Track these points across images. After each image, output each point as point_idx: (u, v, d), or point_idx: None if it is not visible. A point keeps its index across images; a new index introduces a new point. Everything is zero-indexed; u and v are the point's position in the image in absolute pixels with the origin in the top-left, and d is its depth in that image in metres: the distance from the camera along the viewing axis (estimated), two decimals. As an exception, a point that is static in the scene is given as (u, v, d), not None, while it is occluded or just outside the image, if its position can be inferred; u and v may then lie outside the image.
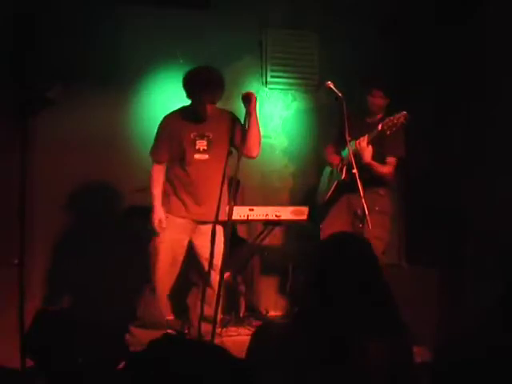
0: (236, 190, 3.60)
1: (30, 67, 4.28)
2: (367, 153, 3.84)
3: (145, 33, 4.65)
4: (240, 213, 4.24)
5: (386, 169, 4.00)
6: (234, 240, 4.66)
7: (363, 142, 3.85)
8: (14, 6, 4.23)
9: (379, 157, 3.96)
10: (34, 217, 4.35)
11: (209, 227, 3.62)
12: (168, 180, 3.75)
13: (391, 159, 4.03)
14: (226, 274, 4.37)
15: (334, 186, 4.09)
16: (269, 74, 5.09)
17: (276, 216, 4.31)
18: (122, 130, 4.61)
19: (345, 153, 4.01)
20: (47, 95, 4.34)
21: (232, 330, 4.17)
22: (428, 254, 4.40)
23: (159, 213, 3.66)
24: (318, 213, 4.23)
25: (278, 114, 5.13)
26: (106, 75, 4.54)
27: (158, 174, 3.72)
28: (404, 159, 4.09)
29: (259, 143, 3.72)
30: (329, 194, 4.11)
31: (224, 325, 4.12)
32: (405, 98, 4.77)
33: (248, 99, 3.57)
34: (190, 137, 3.68)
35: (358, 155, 3.82)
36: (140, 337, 3.61)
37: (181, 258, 3.74)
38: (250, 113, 3.57)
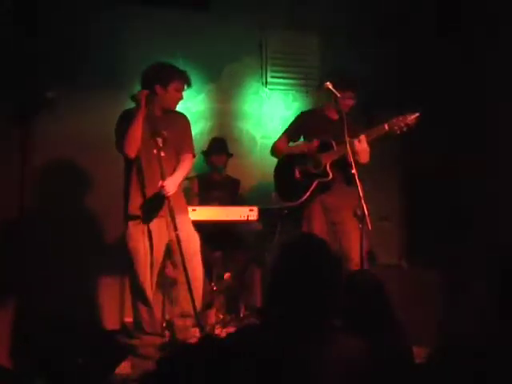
0: None
1: (29, 67, 4.28)
2: (366, 154, 3.73)
3: (145, 33, 4.64)
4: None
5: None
6: (233, 241, 4.66)
7: (363, 142, 3.71)
8: (15, 6, 4.23)
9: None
10: (34, 217, 4.35)
11: None
12: None
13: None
14: (227, 275, 4.38)
15: (313, 186, 3.89)
16: (269, 75, 5.08)
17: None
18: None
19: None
20: (47, 95, 4.34)
21: (232, 330, 4.16)
22: (428, 254, 4.39)
23: None
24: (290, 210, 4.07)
25: (278, 114, 5.13)
26: (106, 75, 4.54)
27: None
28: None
29: None
30: (307, 194, 3.89)
31: (224, 325, 4.11)
32: (405, 97, 4.78)
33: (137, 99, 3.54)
34: None
35: (348, 154, 3.57)
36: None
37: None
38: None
